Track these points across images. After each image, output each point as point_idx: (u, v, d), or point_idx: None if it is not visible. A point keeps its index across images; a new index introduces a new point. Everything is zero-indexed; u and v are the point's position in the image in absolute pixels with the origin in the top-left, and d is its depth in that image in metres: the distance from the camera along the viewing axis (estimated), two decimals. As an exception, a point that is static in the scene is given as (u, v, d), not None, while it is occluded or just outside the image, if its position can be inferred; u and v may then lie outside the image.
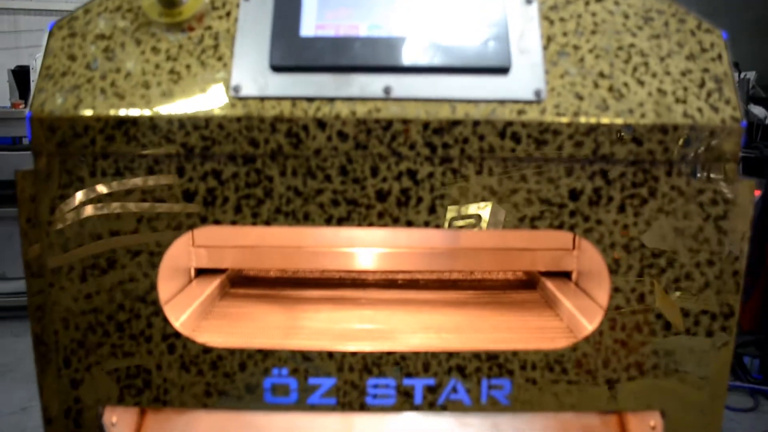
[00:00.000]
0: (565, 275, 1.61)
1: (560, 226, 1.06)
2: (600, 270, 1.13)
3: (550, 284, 1.55)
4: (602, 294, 1.14)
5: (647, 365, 1.12)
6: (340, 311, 1.46)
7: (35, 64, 5.38)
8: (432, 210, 1.05)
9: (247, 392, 1.10)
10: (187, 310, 1.29)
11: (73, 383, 1.11)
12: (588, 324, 1.23)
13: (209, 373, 1.09)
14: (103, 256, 1.07)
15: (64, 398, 1.12)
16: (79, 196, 1.05)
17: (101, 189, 1.05)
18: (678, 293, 1.10)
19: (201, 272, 1.60)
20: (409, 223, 1.05)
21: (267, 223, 1.04)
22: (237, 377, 1.09)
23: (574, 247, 1.59)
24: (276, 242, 1.60)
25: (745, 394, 4.34)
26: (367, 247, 1.60)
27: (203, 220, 1.05)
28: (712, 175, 1.06)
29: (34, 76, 5.29)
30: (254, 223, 1.05)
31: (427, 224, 1.05)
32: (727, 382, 1.17)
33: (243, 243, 1.59)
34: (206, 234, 1.57)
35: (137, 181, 1.05)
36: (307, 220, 1.05)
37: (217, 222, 1.05)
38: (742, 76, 4.90)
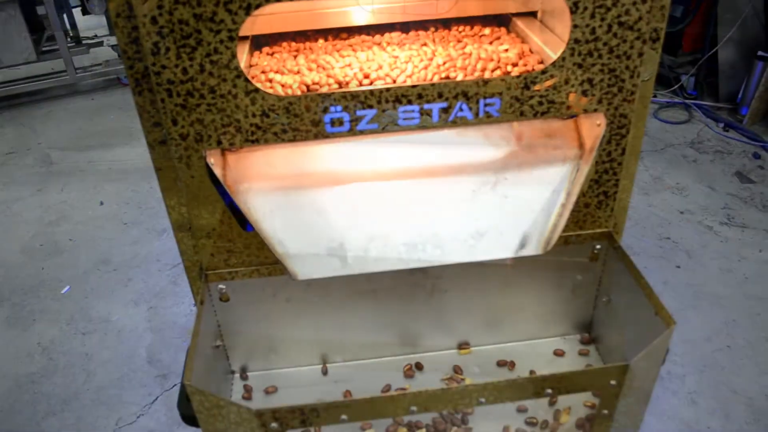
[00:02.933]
0: (532, 15, 2.00)
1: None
2: (560, 9, 1.50)
3: (520, 23, 1.94)
4: (562, 29, 1.53)
5: (596, 80, 1.55)
6: (365, 53, 1.85)
7: None
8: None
9: (312, 126, 1.52)
10: None
11: (181, 136, 1.51)
12: (552, 54, 1.64)
13: (284, 116, 1.50)
14: (192, 36, 1.40)
15: (179, 142, 1.52)
16: (165, -11, 1.35)
17: (183, -18, 1.35)
18: (618, 27, 1.49)
19: None
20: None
21: None
22: (305, 116, 1.50)
23: None
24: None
25: (681, 109, 4.96)
26: (370, 5, 1.94)
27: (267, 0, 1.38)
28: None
29: None
30: None
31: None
32: (652, 87, 1.62)
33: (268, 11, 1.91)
34: None
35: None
36: None
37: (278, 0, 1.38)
38: None
